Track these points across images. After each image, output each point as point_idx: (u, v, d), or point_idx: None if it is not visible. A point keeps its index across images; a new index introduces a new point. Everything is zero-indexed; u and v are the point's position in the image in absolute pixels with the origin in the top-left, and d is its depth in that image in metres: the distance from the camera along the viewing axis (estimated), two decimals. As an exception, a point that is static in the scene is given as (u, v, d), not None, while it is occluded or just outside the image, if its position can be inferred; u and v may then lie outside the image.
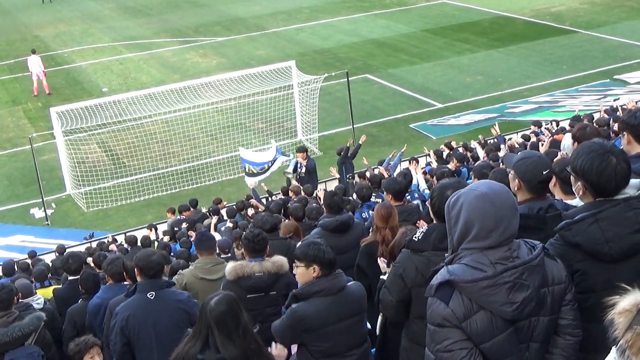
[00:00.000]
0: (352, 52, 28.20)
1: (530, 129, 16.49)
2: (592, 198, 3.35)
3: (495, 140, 15.03)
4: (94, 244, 14.82)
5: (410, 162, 12.76)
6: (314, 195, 13.41)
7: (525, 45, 27.12)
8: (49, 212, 17.79)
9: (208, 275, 6.47)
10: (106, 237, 14.97)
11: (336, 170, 15.41)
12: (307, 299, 4.52)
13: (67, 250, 12.40)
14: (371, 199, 9.38)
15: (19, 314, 5.75)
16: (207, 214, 14.18)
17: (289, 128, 20.75)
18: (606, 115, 14.20)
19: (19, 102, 25.73)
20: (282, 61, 22.46)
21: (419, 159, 14.63)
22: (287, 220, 8.52)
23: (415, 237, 4.20)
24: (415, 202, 9.04)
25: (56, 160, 19.29)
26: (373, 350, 5.03)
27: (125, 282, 6.27)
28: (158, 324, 5.26)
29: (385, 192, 7.18)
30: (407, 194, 8.98)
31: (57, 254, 13.51)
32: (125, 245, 13.23)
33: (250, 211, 13.38)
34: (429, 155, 15.74)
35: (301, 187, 13.50)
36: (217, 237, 9.43)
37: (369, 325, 5.02)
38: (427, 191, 10.30)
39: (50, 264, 12.41)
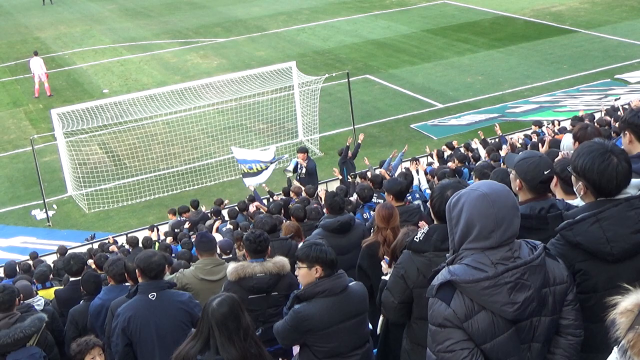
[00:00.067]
0: (352, 53, 28.19)
1: (531, 128, 16.49)
2: (593, 198, 3.34)
3: (497, 139, 15.01)
4: (95, 245, 14.81)
5: (411, 162, 12.75)
6: (315, 195, 13.39)
7: (525, 45, 27.10)
8: (50, 213, 17.80)
9: (208, 276, 6.45)
10: (107, 238, 14.97)
11: (339, 171, 15.42)
12: (309, 299, 4.52)
13: (69, 252, 12.42)
14: (372, 200, 9.37)
15: (20, 316, 5.75)
16: (209, 214, 14.18)
17: (289, 129, 20.76)
18: (607, 117, 14.18)
19: (20, 103, 25.74)
20: (282, 62, 22.45)
21: (421, 159, 14.60)
22: (288, 221, 8.52)
23: (417, 238, 4.20)
24: (416, 202, 9.04)
25: (57, 161, 19.30)
26: (374, 350, 5.03)
27: (126, 283, 6.27)
28: (159, 325, 5.26)
29: (386, 193, 7.17)
30: (408, 194, 8.97)
31: (59, 255, 13.52)
32: (127, 247, 13.22)
33: (252, 208, 13.38)
34: (431, 155, 15.72)
35: (302, 188, 13.49)
36: (219, 238, 9.43)
37: (370, 326, 5.02)
38: (428, 191, 10.30)
39: (52, 265, 12.45)
